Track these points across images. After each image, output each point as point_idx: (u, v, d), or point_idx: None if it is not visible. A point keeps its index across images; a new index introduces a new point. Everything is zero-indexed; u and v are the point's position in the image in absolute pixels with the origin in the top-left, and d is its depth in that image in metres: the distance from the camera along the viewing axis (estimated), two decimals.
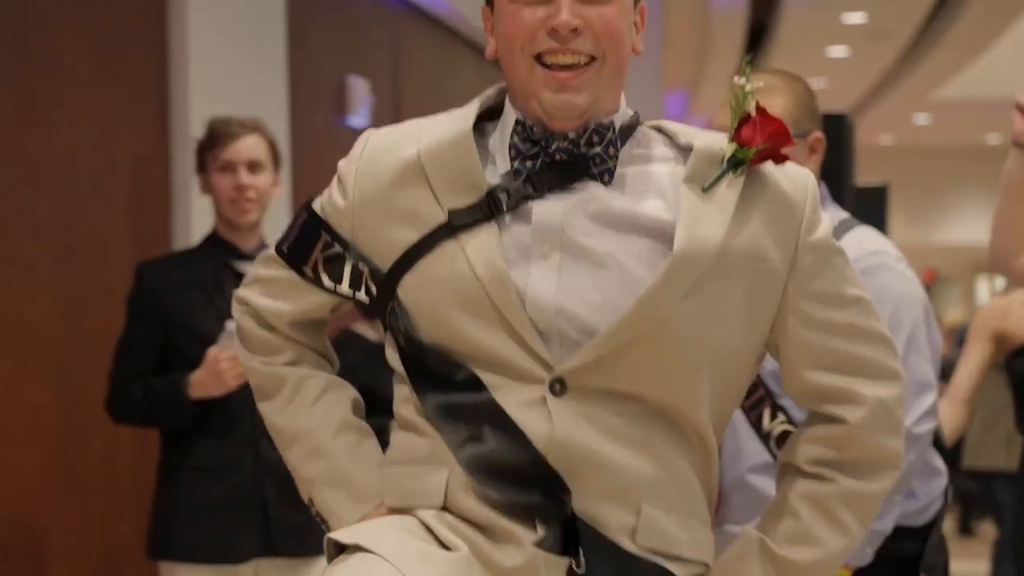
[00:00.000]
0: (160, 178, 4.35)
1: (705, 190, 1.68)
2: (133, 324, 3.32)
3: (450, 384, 1.68)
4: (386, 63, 6.09)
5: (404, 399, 1.75)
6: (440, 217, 1.68)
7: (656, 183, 1.72)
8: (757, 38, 14.60)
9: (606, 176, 1.70)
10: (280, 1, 4.96)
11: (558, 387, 1.64)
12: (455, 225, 1.67)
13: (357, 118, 5.68)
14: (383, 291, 1.73)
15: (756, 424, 2.43)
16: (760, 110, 1.71)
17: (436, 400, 1.68)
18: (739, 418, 2.47)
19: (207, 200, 3.43)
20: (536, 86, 1.68)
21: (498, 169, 1.72)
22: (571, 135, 1.69)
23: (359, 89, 5.68)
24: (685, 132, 1.77)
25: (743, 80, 1.72)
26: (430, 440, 1.70)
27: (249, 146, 3.33)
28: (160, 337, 3.27)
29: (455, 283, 1.66)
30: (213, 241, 3.38)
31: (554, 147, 1.69)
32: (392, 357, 1.76)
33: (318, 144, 5.39)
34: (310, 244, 1.78)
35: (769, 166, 1.73)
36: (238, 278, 3.28)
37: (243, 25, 4.70)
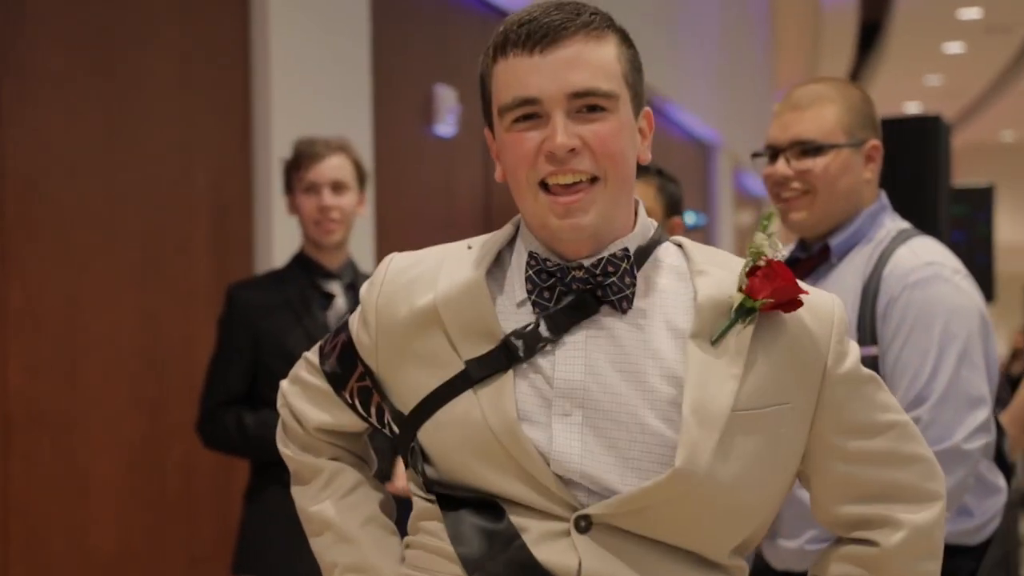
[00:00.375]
0: (242, 190, 4.40)
1: (714, 343, 1.63)
2: (224, 345, 3.36)
3: (470, 510, 1.68)
4: (474, 71, 6.05)
5: (421, 514, 1.76)
6: (458, 365, 1.68)
7: (674, 316, 1.67)
8: (870, 36, 14.41)
9: (624, 304, 1.67)
10: (365, 10, 4.98)
11: (583, 523, 1.62)
12: (472, 377, 1.67)
13: (445, 127, 5.68)
14: (404, 433, 1.74)
15: None
16: (769, 261, 1.65)
17: (455, 522, 1.68)
18: None
19: (289, 213, 3.47)
20: (542, 213, 1.66)
21: (516, 295, 1.71)
22: (586, 264, 1.67)
23: (446, 98, 5.68)
24: (699, 269, 1.70)
25: (763, 233, 1.67)
26: (447, 559, 1.69)
27: (333, 167, 3.37)
28: (250, 358, 3.32)
29: (470, 433, 1.65)
30: (300, 261, 3.42)
31: (570, 278, 1.67)
32: (410, 478, 1.77)
33: (404, 154, 5.40)
34: (348, 370, 1.80)
35: None
36: (325, 297, 3.36)
37: (327, 34, 4.73)
